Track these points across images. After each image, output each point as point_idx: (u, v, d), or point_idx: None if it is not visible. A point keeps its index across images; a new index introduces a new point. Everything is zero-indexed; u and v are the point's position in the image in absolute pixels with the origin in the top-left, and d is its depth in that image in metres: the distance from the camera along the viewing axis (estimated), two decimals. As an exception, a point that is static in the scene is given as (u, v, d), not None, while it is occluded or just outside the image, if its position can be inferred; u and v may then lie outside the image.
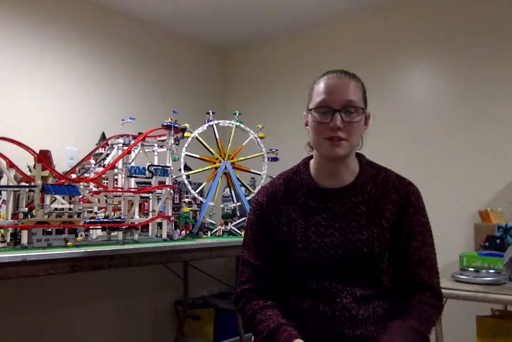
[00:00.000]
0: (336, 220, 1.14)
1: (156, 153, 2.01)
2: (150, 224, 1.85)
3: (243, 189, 2.26)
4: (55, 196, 1.64)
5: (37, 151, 1.60)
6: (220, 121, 2.26)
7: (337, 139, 1.10)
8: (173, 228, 1.87)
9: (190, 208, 2.05)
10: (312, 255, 1.12)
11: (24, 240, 1.43)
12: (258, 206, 1.23)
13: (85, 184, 1.77)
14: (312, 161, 1.24)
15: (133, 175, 1.76)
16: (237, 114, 2.32)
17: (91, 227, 1.69)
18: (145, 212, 1.95)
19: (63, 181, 1.63)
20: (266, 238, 1.21)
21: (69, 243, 1.50)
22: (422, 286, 1.11)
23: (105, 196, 1.72)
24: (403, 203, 1.15)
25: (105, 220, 1.66)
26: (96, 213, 1.83)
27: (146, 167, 1.78)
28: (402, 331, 1.02)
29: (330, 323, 1.09)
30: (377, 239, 1.11)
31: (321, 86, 1.14)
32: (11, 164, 1.53)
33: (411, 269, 1.12)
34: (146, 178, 1.80)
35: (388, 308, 1.11)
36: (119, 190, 1.79)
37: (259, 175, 2.28)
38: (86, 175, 1.90)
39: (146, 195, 1.87)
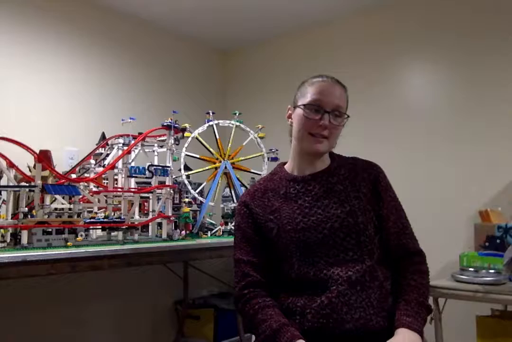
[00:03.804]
0: (318, 199, 1.22)
1: (156, 153, 2.01)
2: (150, 224, 1.85)
3: (243, 189, 2.25)
4: (55, 196, 1.64)
5: (37, 151, 1.60)
6: (220, 121, 2.26)
7: (320, 136, 1.22)
8: (173, 228, 1.87)
9: (190, 208, 2.04)
10: (301, 233, 1.18)
11: (24, 240, 1.43)
12: (243, 206, 1.30)
13: (85, 184, 1.77)
14: (289, 159, 1.35)
15: (133, 175, 1.76)
16: (237, 114, 2.32)
17: (91, 227, 1.68)
18: (145, 212, 1.95)
19: (63, 181, 1.63)
20: (256, 233, 1.25)
21: (69, 243, 1.50)
22: (409, 252, 1.24)
23: (105, 196, 1.72)
24: (373, 179, 1.26)
25: (105, 220, 1.66)
26: (96, 213, 1.83)
27: (146, 167, 1.78)
28: (415, 311, 1.12)
29: (328, 311, 1.10)
30: (359, 209, 1.20)
31: (315, 86, 1.24)
32: (11, 164, 1.53)
33: (397, 240, 1.23)
34: (146, 178, 1.80)
35: (383, 293, 1.15)
36: (119, 190, 1.79)
37: (259, 174, 2.28)
38: (86, 175, 1.90)
39: (146, 195, 1.87)
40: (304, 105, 1.24)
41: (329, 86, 1.24)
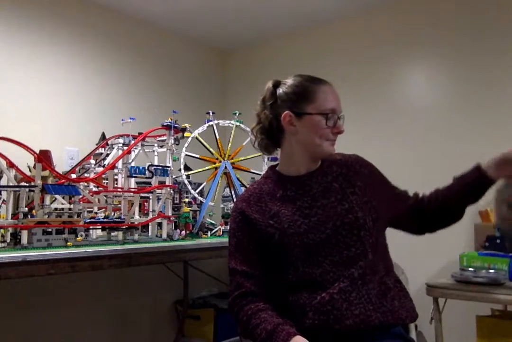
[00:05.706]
0: (317, 200, 1.22)
1: (156, 153, 2.01)
2: (150, 224, 1.85)
3: (243, 188, 2.25)
4: (55, 196, 1.64)
5: (37, 151, 1.60)
6: (220, 121, 2.26)
7: (334, 140, 1.25)
8: (173, 228, 1.87)
9: (190, 208, 2.04)
10: (305, 235, 1.17)
11: (24, 240, 1.43)
12: (238, 212, 1.27)
13: (85, 184, 1.77)
14: (282, 161, 1.31)
15: (133, 175, 1.76)
16: (237, 114, 2.32)
17: (91, 227, 1.68)
18: (145, 212, 1.95)
19: (63, 181, 1.63)
20: (251, 242, 1.23)
21: (69, 243, 1.50)
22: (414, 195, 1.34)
23: (105, 196, 1.73)
24: (364, 169, 1.29)
25: (105, 220, 1.66)
26: (96, 213, 1.83)
27: (146, 167, 1.78)
28: None
29: (329, 307, 1.10)
30: (357, 204, 1.20)
31: (324, 92, 1.23)
32: (11, 164, 1.53)
33: (411, 200, 1.32)
34: (146, 178, 1.80)
35: (382, 289, 1.15)
36: (119, 190, 1.79)
37: (259, 175, 2.28)
38: (86, 175, 1.90)
39: (146, 195, 1.87)
40: (322, 114, 1.21)
41: (334, 91, 1.25)
